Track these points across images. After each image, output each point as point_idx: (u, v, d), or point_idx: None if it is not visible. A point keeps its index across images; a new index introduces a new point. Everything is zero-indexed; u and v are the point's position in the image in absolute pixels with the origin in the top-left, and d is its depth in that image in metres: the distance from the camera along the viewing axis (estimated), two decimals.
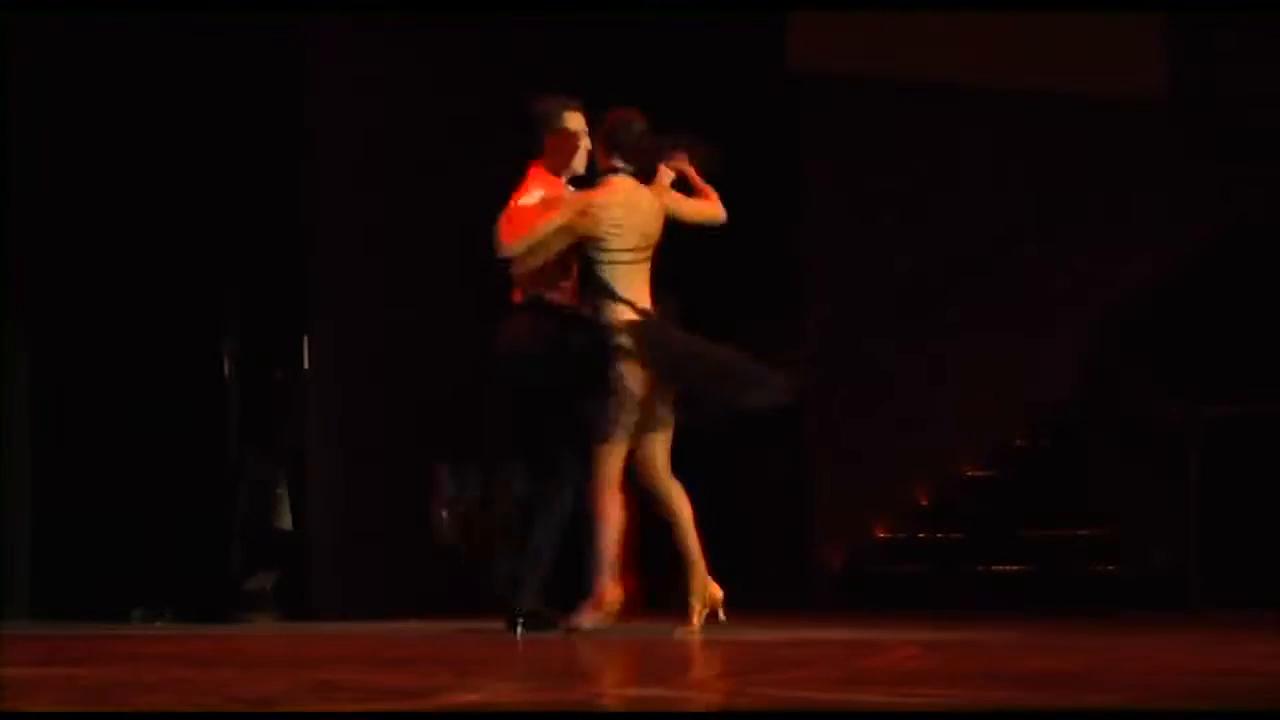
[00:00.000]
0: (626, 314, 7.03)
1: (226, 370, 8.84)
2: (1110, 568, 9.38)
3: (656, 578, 7.61)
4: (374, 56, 9.11)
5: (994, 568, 9.71)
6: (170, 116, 8.91)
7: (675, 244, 7.25)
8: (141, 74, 8.93)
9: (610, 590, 7.07)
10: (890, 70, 10.48)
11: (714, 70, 9.75)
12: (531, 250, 7.08)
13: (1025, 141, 10.79)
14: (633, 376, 6.98)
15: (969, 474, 10.63)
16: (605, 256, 7.06)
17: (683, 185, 7.34)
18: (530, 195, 7.19)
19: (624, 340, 7.00)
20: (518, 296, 7.27)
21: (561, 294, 7.19)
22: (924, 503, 10.57)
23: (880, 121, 10.56)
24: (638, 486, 7.18)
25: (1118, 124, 10.89)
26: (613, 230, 7.07)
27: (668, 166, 7.30)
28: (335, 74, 9.02)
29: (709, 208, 7.31)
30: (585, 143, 7.32)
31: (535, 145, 7.32)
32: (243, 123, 8.88)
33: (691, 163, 7.32)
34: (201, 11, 8.66)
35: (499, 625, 7.14)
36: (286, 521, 8.83)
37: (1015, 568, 9.63)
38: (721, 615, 7.06)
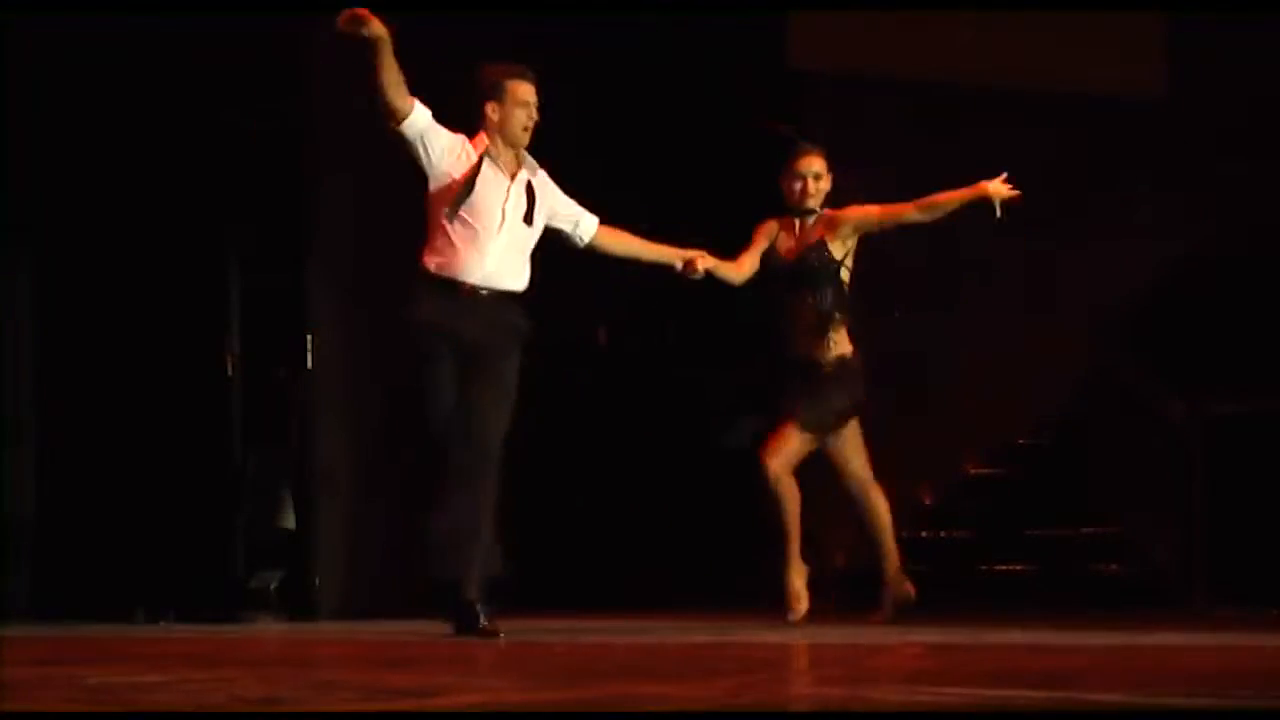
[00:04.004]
0: None
1: (229, 370, 8.84)
2: (1114, 566, 9.38)
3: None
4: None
5: (998, 567, 9.71)
6: (171, 117, 8.92)
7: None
8: (144, 73, 8.94)
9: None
10: (891, 70, 10.48)
11: (715, 69, 9.76)
12: None
13: (1025, 141, 10.78)
14: None
15: (973, 473, 10.63)
16: None
17: None
18: None
19: None
20: None
21: None
22: (928, 502, 10.56)
23: (881, 121, 10.55)
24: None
25: (1118, 124, 10.89)
26: None
27: None
28: (336, 70, 9.02)
29: None
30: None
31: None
32: (244, 121, 8.88)
33: None
34: (203, 12, 8.66)
35: (501, 625, 7.12)
36: (289, 521, 8.83)
37: (1019, 567, 9.63)
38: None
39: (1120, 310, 10.55)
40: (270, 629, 8.31)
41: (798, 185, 7.81)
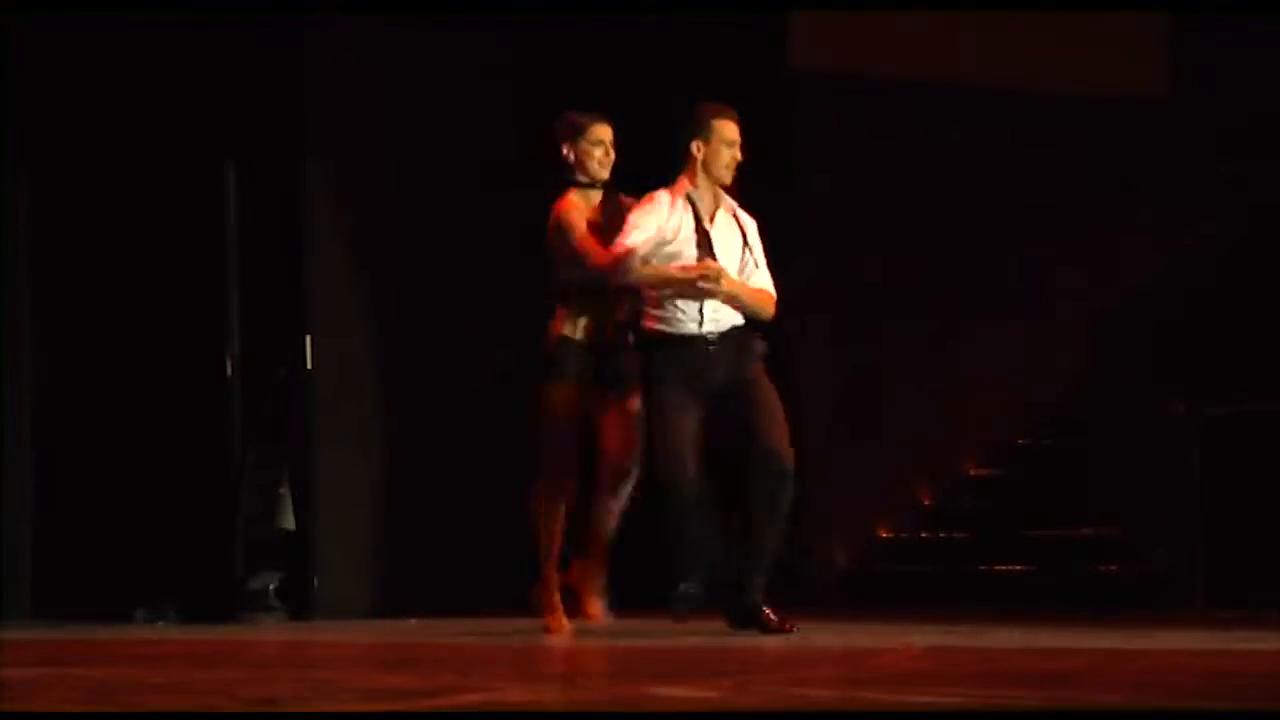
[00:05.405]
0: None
1: (229, 369, 8.84)
2: (1113, 567, 9.37)
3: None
4: (375, 58, 9.11)
5: (996, 567, 9.70)
6: (168, 116, 8.92)
7: None
8: (143, 78, 8.94)
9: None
10: (891, 70, 10.48)
11: (715, 69, 9.75)
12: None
13: (1026, 141, 10.78)
14: None
15: (971, 473, 10.62)
16: None
17: None
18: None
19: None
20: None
21: None
22: (926, 502, 10.56)
23: (881, 121, 10.55)
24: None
25: (1118, 124, 10.89)
26: None
27: None
28: (334, 70, 9.03)
29: None
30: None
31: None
32: (242, 123, 8.89)
33: None
34: (201, 11, 8.66)
35: (501, 625, 7.12)
36: (289, 521, 8.84)
37: (1018, 567, 9.62)
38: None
39: (1120, 310, 10.54)
40: (270, 629, 8.31)
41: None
